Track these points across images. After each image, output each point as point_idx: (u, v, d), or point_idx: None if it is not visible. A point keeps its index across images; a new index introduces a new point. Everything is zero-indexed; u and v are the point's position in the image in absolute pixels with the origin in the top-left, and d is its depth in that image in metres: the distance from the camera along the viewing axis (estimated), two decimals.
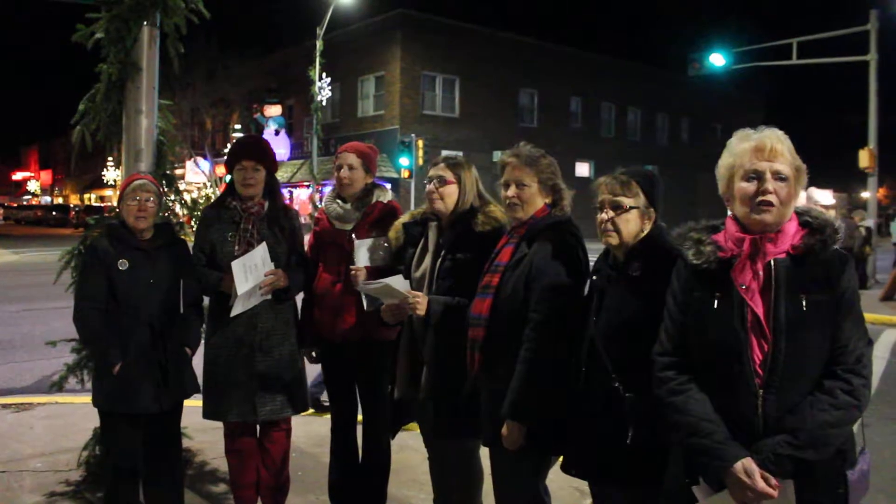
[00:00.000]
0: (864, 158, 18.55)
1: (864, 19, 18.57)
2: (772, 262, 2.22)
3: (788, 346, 2.16)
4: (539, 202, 3.09)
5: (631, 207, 2.70)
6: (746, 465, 2.15)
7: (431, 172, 3.47)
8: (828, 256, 2.20)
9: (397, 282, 3.39)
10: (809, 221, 2.26)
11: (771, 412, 2.17)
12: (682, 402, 2.31)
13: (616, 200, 2.71)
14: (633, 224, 2.70)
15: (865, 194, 20.39)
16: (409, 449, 4.78)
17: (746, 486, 2.14)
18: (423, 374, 3.37)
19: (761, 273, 2.23)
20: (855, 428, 2.27)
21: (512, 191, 3.09)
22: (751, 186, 2.25)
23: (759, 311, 2.20)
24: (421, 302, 3.28)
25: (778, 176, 2.23)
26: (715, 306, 2.27)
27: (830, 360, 2.17)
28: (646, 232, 2.72)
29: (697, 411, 2.27)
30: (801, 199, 2.39)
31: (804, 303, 2.16)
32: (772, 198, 2.21)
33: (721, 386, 2.26)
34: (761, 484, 2.13)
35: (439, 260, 3.41)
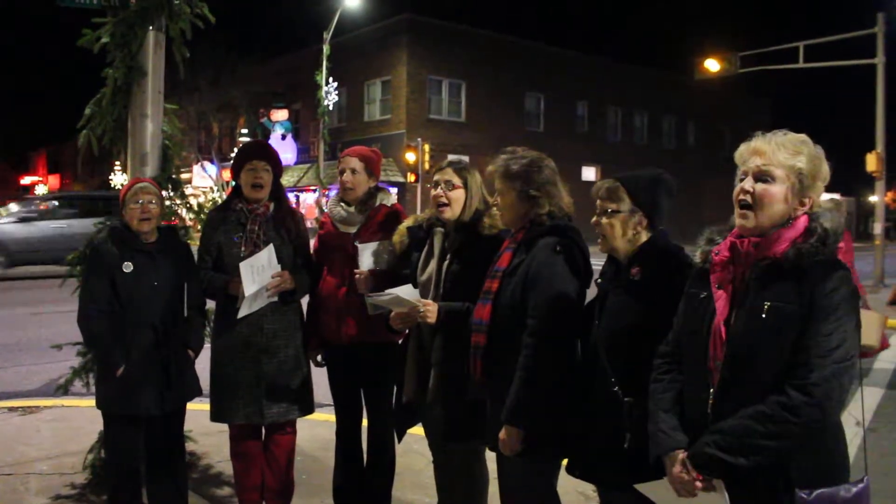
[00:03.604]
0: (872, 162, 18.51)
1: (872, 22, 18.53)
2: (751, 267, 2.19)
3: (740, 351, 2.14)
4: (520, 210, 3.08)
5: (613, 212, 2.71)
6: (677, 457, 2.24)
7: (437, 177, 3.45)
8: (808, 265, 2.09)
9: (406, 291, 3.38)
10: (813, 228, 2.18)
11: (719, 413, 2.17)
12: (653, 389, 2.42)
13: (601, 205, 2.74)
14: (617, 229, 2.71)
15: (873, 198, 20.33)
16: (414, 452, 4.77)
17: (673, 477, 2.24)
18: (430, 378, 3.37)
19: (739, 277, 2.22)
20: (853, 448, 2.23)
21: (493, 199, 3.17)
22: (737, 187, 2.24)
23: (721, 314, 2.20)
24: (431, 310, 3.28)
25: (759, 176, 2.18)
26: (695, 305, 2.31)
27: (786, 372, 2.07)
28: (640, 236, 2.72)
29: (659, 399, 2.38)
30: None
31: (765, 310, 2.10)
32: (747, 198, 2.19)
33: (689, 382, 2.33)
34: (677, 469, 2.21)
35: (445, 264, 3.41)
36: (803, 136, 2.25)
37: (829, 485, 2.11)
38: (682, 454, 2.23)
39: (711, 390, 2.20)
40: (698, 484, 2.19)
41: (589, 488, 3.68)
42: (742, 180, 2.23)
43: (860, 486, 2.15)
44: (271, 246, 3.80)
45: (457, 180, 3.41)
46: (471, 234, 3.38)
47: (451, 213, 3.40)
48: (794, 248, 2.12)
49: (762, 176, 2.18)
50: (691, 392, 2.30)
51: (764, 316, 2.10)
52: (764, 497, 2.13)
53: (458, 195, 3.40)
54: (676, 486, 2.24)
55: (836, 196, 9.37)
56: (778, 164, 2.17)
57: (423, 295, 3.42)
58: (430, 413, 3.45)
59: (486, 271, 3.18)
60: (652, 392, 2.43)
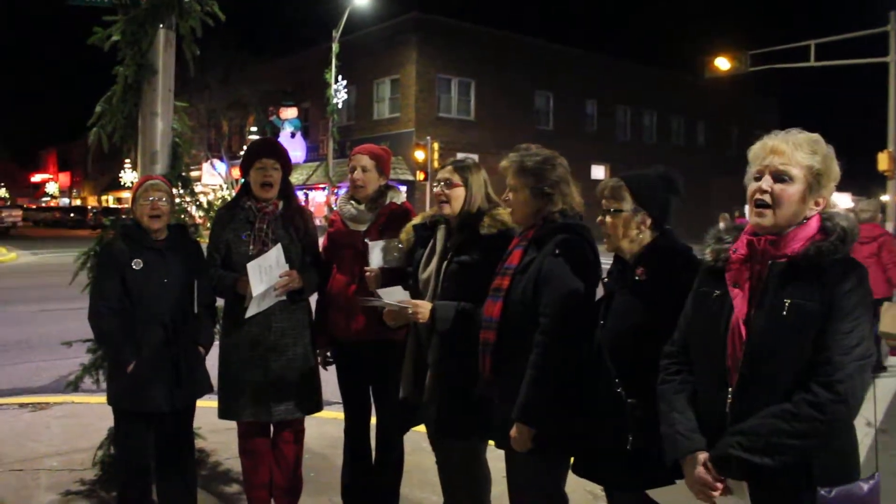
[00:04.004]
0: (883, 161, 18.44)
1: (884, 21, 18.44)
2: (768, 265, 2.19)
3: (761, 349, 2.13)
4: (532, 206, 3.08)
5: (616, 211, 2.70)
6: (696, 457, 2.20)
7: (439, 175, 3.49)
8: (827, 263, 2.11)
9: (396, 294, 3.42)
10: (826, 227, 2.19)
11: (738, 412, 2.16)
12: (664, 390, 2.39)
13: (605, 204, 2.74)
14: (619, 228, 2.70)
15: (885, 197, 20.23)
16: (423, 451, 4.76)
17: (692, 476, 2.20)
18: (426, 377, 3.38)
19: (756, 275, 2.21)
20: (863, 448, 2.22)
21: (505, 195, 3.17)
22: (753, 185, 2.23)
23: (741, 312, 2.19)
24: (422, 310, 3.29)
25: (778, 176, 2.18)
26: (709, 304, 2.30)
27: (809, 370, 2.07)
28: (644, 236, 2.69)
29: (672, 400, 2.35)
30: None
31: (786, 308, 2.10)
32: (765, 197, 2.18)
33: (703, 381, 2.30)
34: (702, 472, 2.17)
35: (445, 263, 3.41)
36: (816, 136, 2.25)
37: (847, 482, 2.13)
38: (703, 456, 2.20)
39: (730, 389, 2.18)
40: (720, 486, 2.16)
41: (597, 487, 3.67)
42: (757, 179, 2.23)
43: (872, 482, 2.17)
44: (279, 245, 3.80)
45: (456, 178, 3.42)
46: (471, 234, 3.38)
47: (450, 210, 3.42)
48: (814, 247, 2.13)
49: (780, 175, 2.18)
50: (706, 391, 2.28)
51: (785, 313, 2.10)
52: (786, 496, 2.12)
53: (458, 193, 3.41)
54: (697, 488, 2.21)
55: (864, 198, 9.40)
56: (796, 164, 2.18)
57: (424, 292, 3.43)
58: (427, 411, 3.46)
59: (486, 270, 3.19)
60: (663, 393, 2.40)
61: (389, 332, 3.73)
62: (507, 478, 3.16)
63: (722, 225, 2.47)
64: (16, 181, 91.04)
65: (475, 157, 5.51)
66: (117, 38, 4.42)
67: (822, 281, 2.10)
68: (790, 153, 2.18)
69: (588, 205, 3.17)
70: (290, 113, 33.95)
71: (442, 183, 3.43)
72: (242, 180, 4.01)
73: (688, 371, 2.38)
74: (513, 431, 2.92)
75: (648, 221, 2.69)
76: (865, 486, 2.15)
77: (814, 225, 2.20)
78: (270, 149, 4.00)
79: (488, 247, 3.28)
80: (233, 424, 4.00)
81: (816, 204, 2.21)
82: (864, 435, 2.25)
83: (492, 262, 3.20)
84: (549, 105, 37.65)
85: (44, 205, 76.22)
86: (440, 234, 3.51)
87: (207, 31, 4.66)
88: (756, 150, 2.27)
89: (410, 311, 3.31)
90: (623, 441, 2.59)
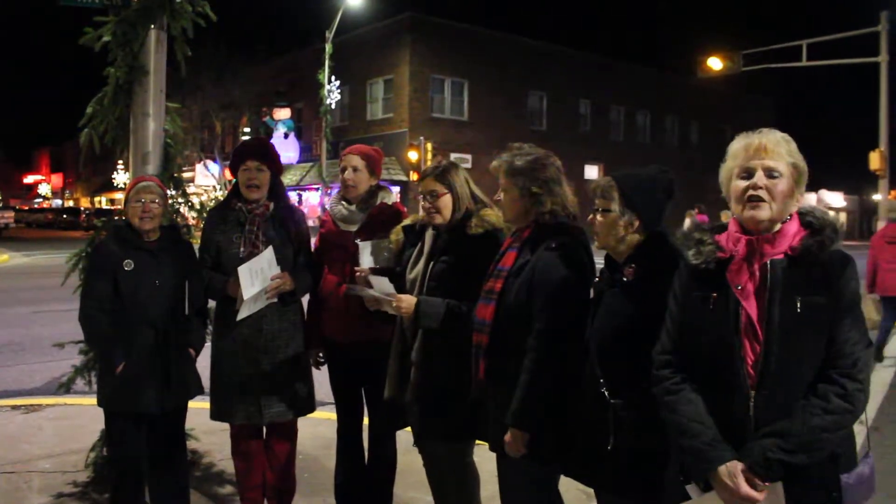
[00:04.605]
0: (875, 160, 18.51)
1: (875, 21, 18.52)
2: (768, 264, 2.21)
3: (781, 348, 2.14)
4: (522, 206, 3.07)
5: (605, 211, 2.68)
6: (731, 468, 2.15)
7: (421, 188, 3.46)
8: (826, 257, 2.16)
9: (383, 285, 3.40)
10: (811, 222, 2.23)
11: (762, 414, 2.15)
12: (674, 401, 2.32)
13: (596, 203, 2.73)
14: (606, 228, 2.69)
15: (877, 196, 20.30)
16: (415, 451, 4.74)
17: (731, 489, 2.14)
18: (411, 375, 3.37)
19: (757, 274, 2.22)
20: (858, 431, 2.25)
21: (497, 195, 3.18)
22: (743, 183, 2.26)
23: (753, 312, 2.19)
24: (405, 304, 3.28)
25: (769, 173, 2.22)
26: (711, 307, 2.27)
27: (826, 363, 2.13)
28: (632, 237, 2.67)
29: (688, 412, 2.28)
30: (811, 201, 2.37)
31: (799, 305, 2.14)
32: (761, 193, 2.21)
33: (714, 386, 2.26)
34: (744, 487, 2.12)
35: (432, 263, 3.40)
36: (787, 136, 2.32)
37: (854, 467, 2.21)
38: (739, 465, 2.15)
39: (752, 392, 2.17)
40: (761, 496, 2.12)
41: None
42: (744, 177, 2.25)
43: (868, 460, 2.30)
44: (271, 248, 3.79)
45: (440, 188, 3.40)
46: (459, 235, 3.37)
47: (442, 219, 3.40)
48: (815, 241, 2.18)
49: (771, 172, 2.23)
50: (720, 396, 2.24)
51: (799, 310, 2.14)
52: (817, 489, 2.15)
53: (446, 201, 3.40)
54: (738, 500, 2.14)
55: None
56: (782, 161, 2.23)
57: (410, 292, 3.42)
58: (411, 411, 3.46)
59: (471, 270, 3.19)
60: (672, 404, 2.32)
61: (381, 333, 3.72)
62: (499, 478, 3.15)
63: (688, 221, 2.48)
64: (8, 182, 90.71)
65: (468, 157, 5.50)
66: (108, 38, 4.40)
67: (826, 275, 2.15)
68: (777, 151, 2.24)
69: (583, 205, 3.17)
70: (283, 113, 33.83)
71: (427, 196, 3.41)
72: (234, 181, 4.00)
73: (691, 378, 2.33)
74: (507, 437, 2.90)
75: (636, 223, 2.65)
76: (867, 467, 2.25)
77: (797, 220, 2.26)
78: (256, 150, 3.97)
79: (475, 247, 3.28)
80: (226, 425, 3.99)
81: (797, 201, 2.27)
82: (857, 433, 2.27)
83: (478, 262, 3.20)
84: (542, 105, 37.70)
85: (36, 206, 75.97)
86: (429, 235, 3.50)
87: (200, 31, 4.65)
88: (738, 149, 2.30)
89: (394, 305, 3.29)
90: (605, 442, 2.57)
